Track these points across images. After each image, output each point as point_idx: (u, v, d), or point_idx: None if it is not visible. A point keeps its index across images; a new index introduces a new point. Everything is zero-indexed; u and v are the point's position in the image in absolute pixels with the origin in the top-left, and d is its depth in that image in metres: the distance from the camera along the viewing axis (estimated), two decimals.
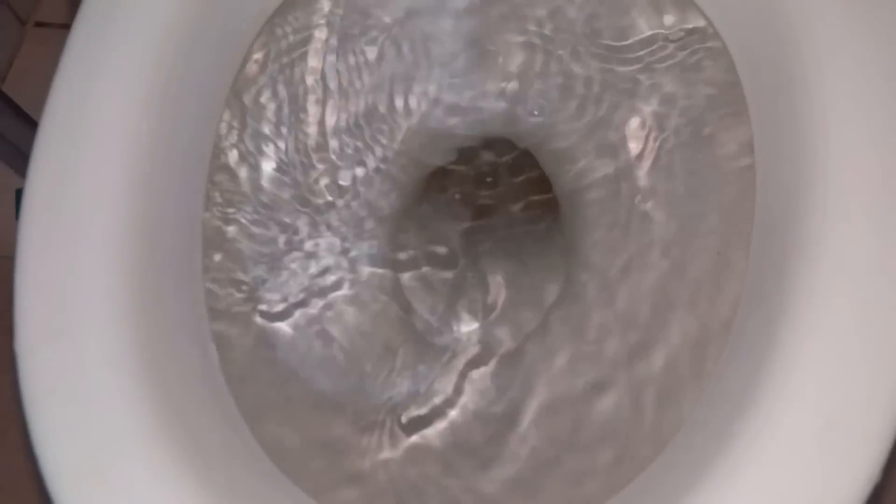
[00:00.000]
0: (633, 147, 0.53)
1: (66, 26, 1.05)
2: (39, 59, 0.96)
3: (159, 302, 0.41)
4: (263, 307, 0.50)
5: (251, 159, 0.52)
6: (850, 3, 0.43)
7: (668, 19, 0.53)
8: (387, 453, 0.47)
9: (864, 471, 0.34)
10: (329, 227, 0.53)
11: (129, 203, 0.42)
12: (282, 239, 0.51)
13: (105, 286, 0.39)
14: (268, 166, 0.53)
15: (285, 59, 0.54)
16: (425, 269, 0.57)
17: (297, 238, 0.52)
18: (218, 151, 0.50)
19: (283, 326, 0.49)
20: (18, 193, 0.81)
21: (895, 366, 0.36)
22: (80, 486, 0.35)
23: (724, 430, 0.37)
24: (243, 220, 0.51)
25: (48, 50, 0.95)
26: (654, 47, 0.53)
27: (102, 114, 0.43)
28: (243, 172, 0.52)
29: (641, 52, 0.53)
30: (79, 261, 0.40)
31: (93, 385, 0.37)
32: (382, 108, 0.55)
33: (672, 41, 0.53)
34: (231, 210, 0.50)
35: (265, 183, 0.52)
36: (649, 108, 0.53)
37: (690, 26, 0.52)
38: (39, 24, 0.99)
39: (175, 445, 0.37)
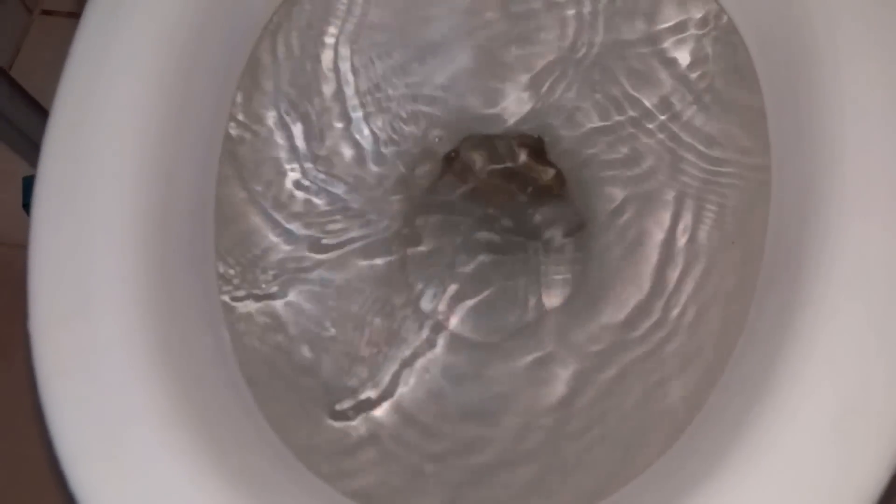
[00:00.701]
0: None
1: (73, 14, 1.06)
2: (46, 47, 0.96)
3: (172, 285, 0.41)
4: (274, 288, 0.50)
5: (263, 142, 0.52)
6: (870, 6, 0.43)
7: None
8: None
9: (881, 458, 0.34)
10: (342, 209, 0.53)
11: (142, 186, 0.42)
12: (294, 221, 0.51)
13: (118, 268, 0.39)
14: (280, 149, 0.52)
15: (300, 40, 0.54)
16: (434, 258, 0.58)
17: (308, 219, 0.52)
18: (230, 134, 0.50)
19: (291, 301, 0.49)
20: (25, 181, 0.82)
21: None
22: (94, 466, 0.35)
23: (740, 418, 0.36)
24: (256, 203, 0.50)
25: (55, 38, 0.96)
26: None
27: (114, 98, 0.43)
28: (255, 155, 0.51)
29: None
30: (92, 243, 0.40)
31: (107, 365, 0.37)
32: (397, 94, 0.55)
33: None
34: (244, 193, 0.50)
35: (277, 165, 0.52)
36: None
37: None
38: (46, 13, 0.99)
39: (188, 426, 0.37)
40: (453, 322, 0.54)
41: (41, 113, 0.80)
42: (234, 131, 0.51)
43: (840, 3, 0.43)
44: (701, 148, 0.52)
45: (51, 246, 0.40)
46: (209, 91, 0.48)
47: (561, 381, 0.49)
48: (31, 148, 0.82)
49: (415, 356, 0.51)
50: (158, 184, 0.42)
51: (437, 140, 0.57)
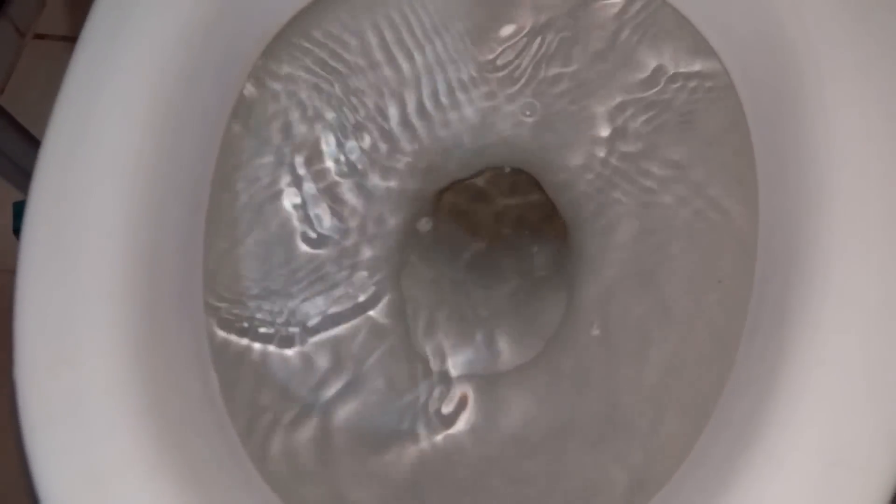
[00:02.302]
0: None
1: (66, 38, 1.06)
2: (38, 72, 0.96)
3: (160, 329, 0.41)
4: (263, 330, 0.49)
5: (255, 180, 0.52)
6: (853, 33, 0.43)
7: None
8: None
9: None
10: (333, 244, 0.53)
11: (131, 225, 0.42)
12: (284, 261, 0.51)
13: (106, 313, 0.39)
14: (272, 188, 0.53)
15: (288, 78, 0.54)
16: (427, 289, 0.58)
17: (300, 259, 0.52)
18: (221, 173, 0.50)
19: (285, 352, 0.49)
20: (16, 206, 0.81)
21: None
22: None
23: (727, 466, 0.37)
24: (246, 243, 0.50)
25: (47, 62, 0.96)
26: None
27: (105, 133, 0.43)
28: (246, 195, 0.51)
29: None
30: (80, 287, 0.40)
31: (93, 413, 0.37)
32: (391, 125, 0.55)
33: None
34: (234, 233, 0.50)
35: (269, 203, 0.52)
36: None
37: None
38: (39, 37, 0.99)
39: (175, 476, 0.37)
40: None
41: (31, 140, 0.80)
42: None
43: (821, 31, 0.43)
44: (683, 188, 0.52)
45: (37, 291, 0.40)
46: (200, 128, 0.48)
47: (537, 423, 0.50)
48: (20, 174, 0.81)
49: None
50: (147, 225, 0.42)
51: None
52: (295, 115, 0.53)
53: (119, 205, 0.42)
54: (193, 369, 0.43)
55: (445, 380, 0.52)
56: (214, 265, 0.48)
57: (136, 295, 0.40)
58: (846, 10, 0.44)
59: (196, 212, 0.48)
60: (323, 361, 0.49)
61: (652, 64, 0.53)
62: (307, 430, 0.47)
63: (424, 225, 0.59)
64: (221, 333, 0.47)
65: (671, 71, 0.52)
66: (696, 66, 0.51)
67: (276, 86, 0.53)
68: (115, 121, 0.43)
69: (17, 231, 0.82)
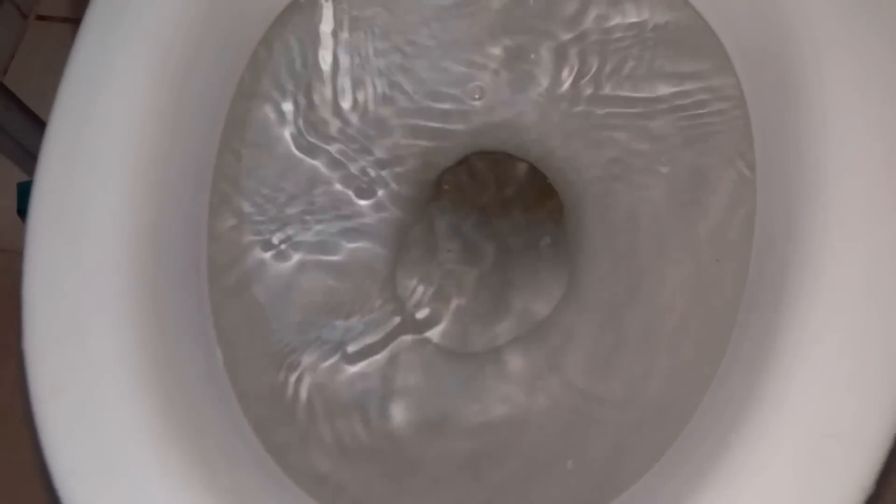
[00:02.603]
0: (635, 149, 0.54)
1: (68, 20, 1.06)
2: (41, 53, 0.96)
3: (165, 303, 0.42)
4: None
5: (257, 159, 0.52)
6: (852, 12, 0.43)
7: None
8: None
9: (858, 482, 0.35)
10: (329, 229, 0.53)
11: (137, 204, 0.42)
12: (281, 239, 0.52)
13: (112, 287, 0.40)
14: (274, 166, 0.53)
15: (291, 60, 0.54)
16: (425, 267, 0.58)
17: (297, 236, 0.53)
18: (225, 150, 0.50)
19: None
20: (20, 187, 0.82)
21: (891, 378, 0.37)
22: (87, 486, 0.36)
23: (720, 442, 0.37)
24: (249, 220, 0.51)
25: (50, 43, 0.96)
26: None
27: (110, 114, 0.43)
28: (249, 173, 0.52)
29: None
30: (86, 262, 0.40)
31: (99, 385, 0.38)
32: (388, 112, 0.55)
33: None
34: (237, 210, 0.50)
35: (270, 182, 0.53)
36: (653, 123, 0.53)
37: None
38: (41, 18, 0.98)
39: (180, 446, 0.37)
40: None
41: (35, 120, 0.80)
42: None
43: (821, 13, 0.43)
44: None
45: (45, 265, 0.40)
46: (205, 107, 0.49)
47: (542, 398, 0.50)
48: (24, 155, 0.82)
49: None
50: (152, 201, 0.43)
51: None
52: (302, 94, 0.54)
53: (124, 183, 0.42)
54: (197, 343, 0.44)
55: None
56: (218, 244, 0.49)
57: (141, 271, 0.41)
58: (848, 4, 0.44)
59: (200, 190, 0.48)
60: (330, 342, 0.50)
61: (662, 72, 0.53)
62: (310, 396, 0.47)
63: (425, 204, 0.59)
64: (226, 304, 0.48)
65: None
66: (695, 63, 0.52)
67: (282, 60, 0.53)
68: (120, 101, 0.44)
69: (21, 212, 0.82)
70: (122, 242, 0.41)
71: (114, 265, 0.40)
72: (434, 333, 0.55)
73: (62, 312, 0.39)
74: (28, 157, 0.82)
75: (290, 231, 0.53)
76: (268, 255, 0.52)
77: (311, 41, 0.55)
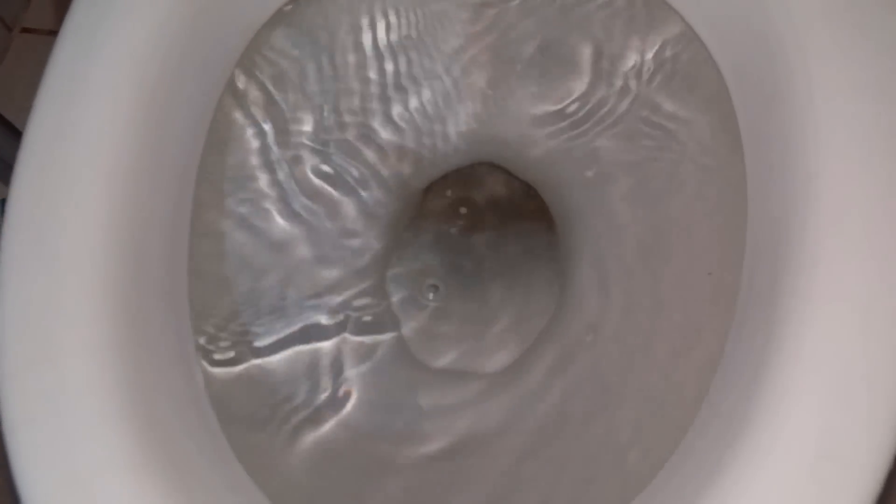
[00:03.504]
0: (621, 159, 0.53)
1: (54, 33, 1.04)
2: (26, 66, 0.95)
3: (143, 326, 0.41)
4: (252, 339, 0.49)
5: (239, 178, 0.51)
6: (840, 21, 0.43)
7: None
8: None
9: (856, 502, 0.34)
10: (319, 242, 0.52)
11: (114, 223, 0.41)
12: (269, 256, 0.51)
13: (87, 310, 0.39)
14: (259, 182, 0.52)
15: (272, 74, 0.53)
16: (414, 282, 0.57)
17: (285, 255, 0.52)
18: (206, 167, 0.49)
19: (273, 359, 0.49)
20: (1, 203, 0.81)
21: (890, 395, 0.36)
22: None
23: (715, 460, 0.36)
24: (231, 239, 0.50)
25: (35, 56, 0.95)
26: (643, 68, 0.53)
27: (87, 130, 0.42)
28: (233, 189, 0.51)
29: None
30: (61, 285, 0.39)
31: (75, 413, 0.36)
32: (375, 124, 0.55)
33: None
34: (217, 229, 0.50)
35: (254, 191, 0.52)
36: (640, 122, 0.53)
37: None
38: (26, 30, 0.98)
39: (158, 474, 0.36)
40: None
41: (16, 135, 0.79)
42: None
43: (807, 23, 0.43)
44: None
45: (18, 289, 0.39)
46: (185, 119, 0.48)
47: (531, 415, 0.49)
48: (8, 171, 0.81)
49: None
50: (129, 221, 0.42)
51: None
52: (283, 108, 0.53)
53: (101, 201, 0.41)
54: (177, 367, 0.43)
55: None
56: (199, 264, 0.48)
57: (118, 292, 0.40)
58: None
59: (181, 208, 0.47)
60: (307, 368, 0.49)
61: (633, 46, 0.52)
62: (296, 426, 0.47)
63: (413, 215, 0.59)
64: (208, 329, 0.47)
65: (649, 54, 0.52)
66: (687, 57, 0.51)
67: (265, 74, 0.52)
68: (97, 115, 0.43)
69: None
70: (98, 262, 0.40)
71: (89, 286, 0.39)
72: (420, 347, 0.54)
73: (36, 336, 0.38)
74: (10, 173, 0.81)
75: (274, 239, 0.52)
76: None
77: (296, 50, 0.54)
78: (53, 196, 0.41)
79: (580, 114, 0.54)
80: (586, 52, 0.54)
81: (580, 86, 0.54)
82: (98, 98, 0.43)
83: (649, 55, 0.52)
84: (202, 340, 0.47)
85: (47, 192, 0.41)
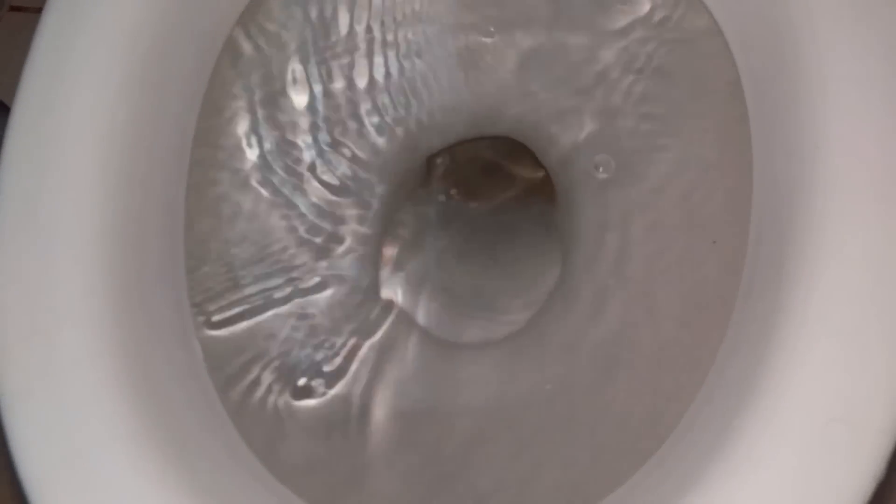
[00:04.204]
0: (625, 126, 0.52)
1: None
2: (15, 44, 0.94)
3: (140, 298, 0.40)
4: (249, 292, 0.49)
5: (234, 149, 0.51)
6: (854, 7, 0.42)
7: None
8: None
9: (867, 467, 0.34)
10: (315, 215, 0.52)
11: (108, 196, 0.40)
12: (266, 227, 0.50)
13: (83, 283, 0.38)
14: (252, 153, 0.51)
15: (265, 44, 0.52)
16: (414, 252, 0.57)
17: (281, 229, 0.51)
18: (199, 140, 0.49)
19: (268, 316, 0.48)
20: None
21: None
22: (60, 492, 0.34)
23: (724, 427, 0.36)
24: (227, 212, 0.49)
25: (24, 35, 0.94)
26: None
27: (76, 102, 0.42)
28: (229, 158, 0.50)
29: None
30: (55, 257, 0.39)
31: (71, 385, 0.36)
32: (374, 90, 0.54)
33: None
34: (215, 201, 0.49)
35: (249, 172, 0.51)
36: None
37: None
38: (15, 9, 0.97)
39: (158, 446, 0.36)
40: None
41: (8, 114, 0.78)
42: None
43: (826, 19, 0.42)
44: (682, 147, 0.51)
45: (11, 262, 0.38)
46: (175, 95, 0.47)
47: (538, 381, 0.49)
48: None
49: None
50: (123, 192, 0.41)
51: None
52: (280, 79, 0.52)
53: (93, 172, 0.41)
54: (176, 338, 0.42)
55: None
56: (197, 234, 0.47)
57: (113, 263, 0.39)
58: None
59: (177, 179, 0.47)
60: (314, 329, 0.49)
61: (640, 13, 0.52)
62: (296, 397, 0.46)
63: (415, 191, 0.58)
64: (205, 302, 0.46)
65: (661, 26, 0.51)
66: (692, 25, 0.50)
67: (260, 44, 0.52)
68: (86, 87, 0.42)
69: None
70: (92, 236, 0.39)
71: (84, 260, 0.39)
72: (421, 320, 0.54)
73: (30, 309, 0.37)
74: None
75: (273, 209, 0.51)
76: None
77: (291, 22, 0.53)
78: (45, 169, 0.40)
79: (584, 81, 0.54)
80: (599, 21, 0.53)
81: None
82: (87, 69, 0.42)
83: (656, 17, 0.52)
84: (198, 299, 0.46)
85: (38, 165, 0.41)
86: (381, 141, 0.54)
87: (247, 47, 0.51)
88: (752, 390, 0.36)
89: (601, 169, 0.53)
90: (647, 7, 0.52)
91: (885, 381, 0.35)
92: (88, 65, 0.42)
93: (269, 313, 0.49)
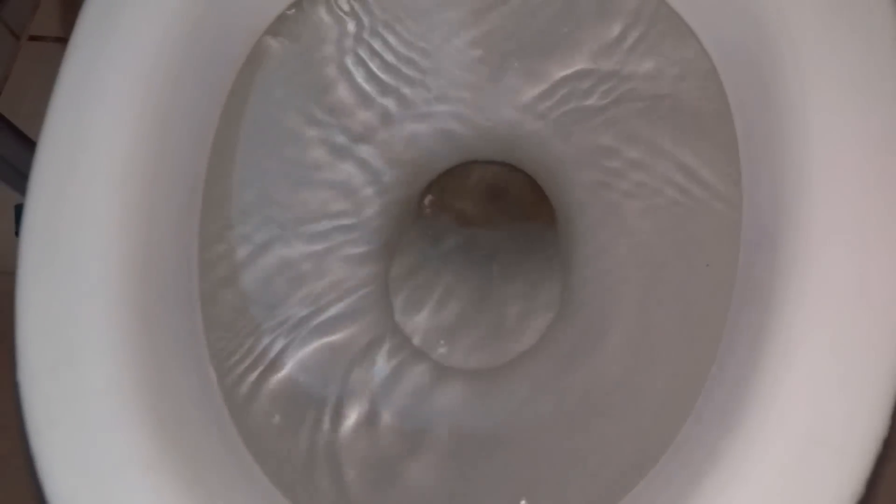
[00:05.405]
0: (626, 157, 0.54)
1: (61, 39, 1.06)
2: (35, 73, 0.96)
3: (157, 326, 0.42)
4: (261, 324, 0.50)
5: (246, 181, 0.52)
6: (831, 15, 0.43)
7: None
8: None
9: (847, 489, 0.35)
10: (323, 241, 0.54)
11: (125, 229, 0.42)
12: (276, 259, 0.52)
13: (104, 313, 0.40)
14: (265, 184, 0.53)
15: (277, 76, 0.54)
16: (417, 278, 0.58)
17: (292, 253, 0.53)
18: (214, 172, 0.51)
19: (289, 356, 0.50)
20: (17, 209, 0.82)
21: (877, 382, 0.37)
22: None
23: (710, 450, 0.37)
24: (240, 243, 0.51)
25: (43, 63, 0.96)
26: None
27: (99, 137, 0.43)
28: (238, 195, 0.52)
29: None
30: (78, 288, 0.40)
31: (94, 414, 0.38)
32: (377, 119, 0.55)
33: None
34: (228, 233, 0.51)
35: (260, 203, 0.53)
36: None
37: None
38: (34, 38, 0.99)
39: (175, 471, 0.38)
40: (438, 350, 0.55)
41: (28, 143, 0.80)
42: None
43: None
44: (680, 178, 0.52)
45: (37, 294, 0.40)
46: (191, 128, 0.49)
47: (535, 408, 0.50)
48: (18, 177, 0.82)
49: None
50: (141, 226, 0.43)
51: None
52: (286, 111, 0.54)
53: (114, 205, 0.42)
54: (190, 366, 0.44)
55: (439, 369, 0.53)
56: (211, 264, 0.49)
57: (132, 294, 0.41)
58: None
59: (191, 210, 0.48)
60: (324, 359, 0.50)
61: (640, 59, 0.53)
62: (309, 424, 0.48)
63: (415, 214, 0.59)
64: (219, 331, 0.48)
65: (656, 61, 0.53)
66: (680, 53, 0.52)
67: (272, 69, 0.53)
68: (108, 122, 0.44)
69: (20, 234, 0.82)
70: (112, 267, 0.41)
71: (105, 289, 0.40)
72: (427, 347, 0.55)
73: (54, 341, 0.39)
74: (22, 179, 0.82)
75: (281, 242, 0.53)
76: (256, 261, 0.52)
77: (298, 52, 0.54)
78: (68, 203, 0.42)
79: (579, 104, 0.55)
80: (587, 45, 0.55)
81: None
82: (108, 105, 0.44)
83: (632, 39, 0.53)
84: (218, 345, 0.48)
85: (63, 199, 0.42)
86: (379, 168, 0.55)
87: (259, 75, 0.53)
88: (739, 414, 0.37)
89: (599, 197, 0.54)
90: (631, 40, 0.53)
91: (866, 403, 0.36)
92: (109, 102, 0.44)
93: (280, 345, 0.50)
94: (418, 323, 0.55)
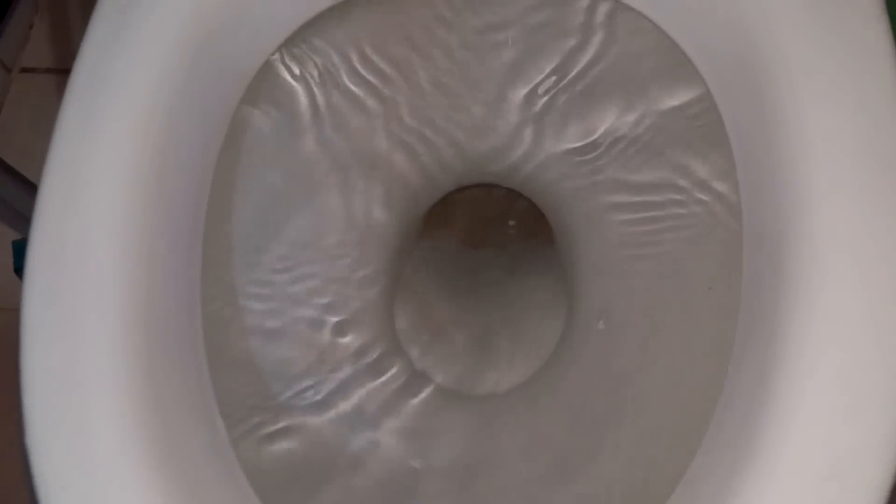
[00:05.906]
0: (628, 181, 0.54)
1: (52, 70, 1.05)
2: (27, 105, 0.96)
3: (164, 383, 0.42)
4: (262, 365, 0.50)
5: (246, 214, 0.52)
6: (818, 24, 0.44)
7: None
8: None
9: None
10: (327, 276, 0.54)
11: (130, 283, 0.42)
12: (282, 305, 0.52)
13: (110, 372, 0.40)
14: (263, 213, 0.53)
15: (276, 108, 0.53)
16: (421, 301, 0.58)
17: (299, 296, 0.53)
18: (213, 216, 0.50)
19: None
20: (15, 245, 0.82)
21: (890, 415, 0.37)
22: None
23: (723, 483, 0.37)
24: (244, 288, 0.51)
25: (35, 95, 0.95)
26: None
27: (99, 180, 0.43)
28: (240, 240, 0.52)
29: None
30: (83, 346, 0.40)
31: (105, 477, 0.38)
32: (382, 146, 0.55)
33: None
34: (231, 281, 0.51)
35: (259, 233, 0.53)
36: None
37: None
38: (25, 70, 0.99)
39: None
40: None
41: (20, 179, 0.80)
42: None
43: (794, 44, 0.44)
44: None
45: (42, 352, 0.40)
46: (190, 174, 0.49)
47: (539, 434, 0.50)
48: (9, 212, 0.82)
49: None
50: (145, 274, 0.43)
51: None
52: (291, 129, 0.53)
53: (116, 254, 0.42)
54: (199, 420, 0.44)
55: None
56: (214, 314, 0.49)
57: (138, 351, 0.41)
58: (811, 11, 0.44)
59: (192, 257, 0.48)
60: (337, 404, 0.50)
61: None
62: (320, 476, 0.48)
63: (416, 240, 0.59)
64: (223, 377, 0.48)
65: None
66: (678, 95, 0.52)
67: (268, 107, 0.53)
68: (109, 163, 0.44)
69: (17, 270, 0.82)
70: (116, 324, 0.41)
71: (109, 351, 0.40)
72: (433, 373, 0.55)
73: (62, 405, 0.39)
74: (14, 215, 0.82)
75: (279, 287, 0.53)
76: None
77: (294, 90, 0.54)
78: (68, 258, 0.42)
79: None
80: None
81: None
82: (109, 145, 0.44)
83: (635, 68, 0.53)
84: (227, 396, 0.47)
85: (64, 256, 0.42)
86: (382, 192, 0.55)
87: (255, 115, 0.53)
88: (750, 449, 0.37)
89: (599, 220, 0.54)
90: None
91: (877, 437, 0.37)
92: (110, 142, 0.44)
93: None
94: (421, 349, 0.55)
